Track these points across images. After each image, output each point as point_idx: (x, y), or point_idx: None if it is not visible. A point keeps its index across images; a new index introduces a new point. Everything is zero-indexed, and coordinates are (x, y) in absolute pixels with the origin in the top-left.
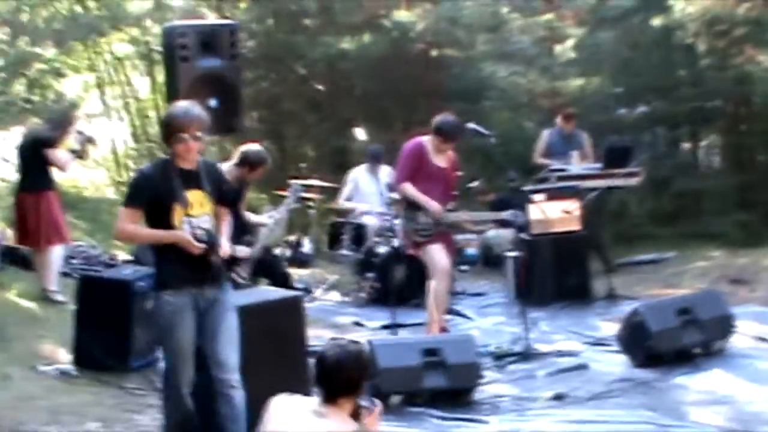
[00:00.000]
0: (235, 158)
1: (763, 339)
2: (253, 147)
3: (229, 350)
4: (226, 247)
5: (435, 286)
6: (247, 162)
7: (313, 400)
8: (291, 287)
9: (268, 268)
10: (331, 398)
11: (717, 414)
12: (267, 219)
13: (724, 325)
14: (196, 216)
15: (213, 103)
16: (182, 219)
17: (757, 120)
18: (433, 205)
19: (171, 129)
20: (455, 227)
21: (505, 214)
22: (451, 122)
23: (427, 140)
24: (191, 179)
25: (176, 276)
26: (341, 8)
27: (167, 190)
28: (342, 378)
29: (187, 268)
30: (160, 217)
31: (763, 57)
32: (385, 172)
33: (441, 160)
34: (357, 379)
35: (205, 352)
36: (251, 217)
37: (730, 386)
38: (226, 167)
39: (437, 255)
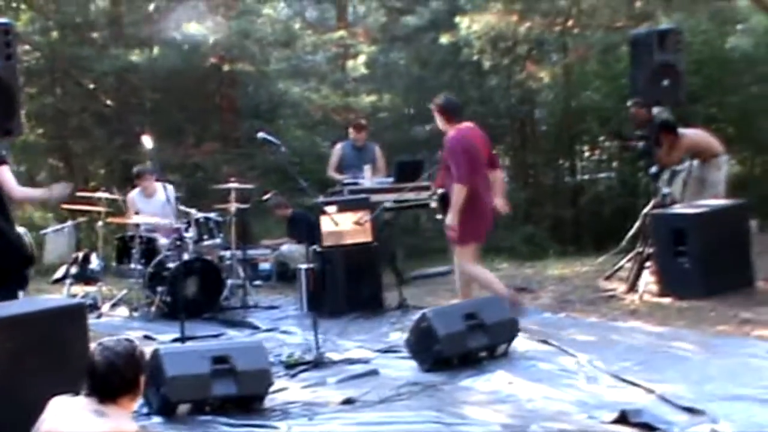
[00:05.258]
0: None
1: (544, 342)
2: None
3: None
4: None
5: None
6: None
7: (93, 400)
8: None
9: None
10: (110, 398)
11: (499, 412)
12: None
13: (509, 329)
14: None
15: None
16: None
17: (540, 139)
18: None
19: None
20: None
21: None
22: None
23: None
24: None
25: None
26: (130, 20)
27: None
28: (116, 381)
29: None
30: None
31: (543, 73)
32: (162, 188)
33: None
34: (133, 378)
35: None
36: None
37: (513, 386)
38: None
39: None
